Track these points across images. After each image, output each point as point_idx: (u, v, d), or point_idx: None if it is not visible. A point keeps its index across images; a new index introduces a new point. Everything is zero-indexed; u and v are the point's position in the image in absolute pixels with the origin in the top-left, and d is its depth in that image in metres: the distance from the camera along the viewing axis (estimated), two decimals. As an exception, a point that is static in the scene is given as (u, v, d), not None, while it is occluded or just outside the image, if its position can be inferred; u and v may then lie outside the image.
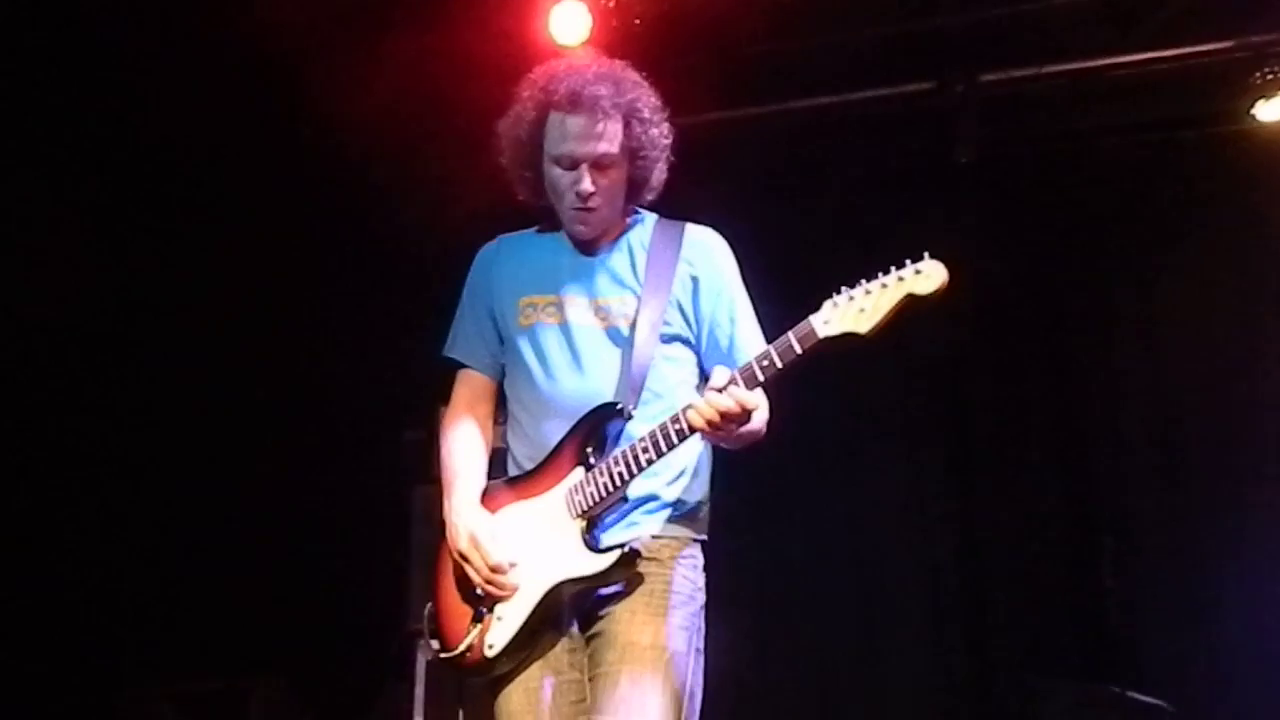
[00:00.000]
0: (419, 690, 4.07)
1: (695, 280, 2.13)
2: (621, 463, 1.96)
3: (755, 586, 4.62)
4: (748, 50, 4.72)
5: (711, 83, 4.86)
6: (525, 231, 2.30)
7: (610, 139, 2.04)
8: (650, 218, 2.24)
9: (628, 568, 1.96)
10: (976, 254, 4.95)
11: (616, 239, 2.19)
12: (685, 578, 2.07)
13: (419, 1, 4.20)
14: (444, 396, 4.51)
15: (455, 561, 2.10)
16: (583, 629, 2.06)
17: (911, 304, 1.77)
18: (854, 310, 1.79)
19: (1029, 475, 4.88)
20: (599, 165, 2.05)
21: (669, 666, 1.95)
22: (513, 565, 2.03)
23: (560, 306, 2.13)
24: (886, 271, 1.80)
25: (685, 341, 2.16)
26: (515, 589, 2.02)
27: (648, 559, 2.02)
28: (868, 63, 4.73)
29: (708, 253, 2.18)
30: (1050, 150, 5.09)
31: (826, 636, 4.84)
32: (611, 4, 4.31)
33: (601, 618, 2.02)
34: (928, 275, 1.76)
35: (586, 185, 2.04)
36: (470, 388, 2.28)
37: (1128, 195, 5.04)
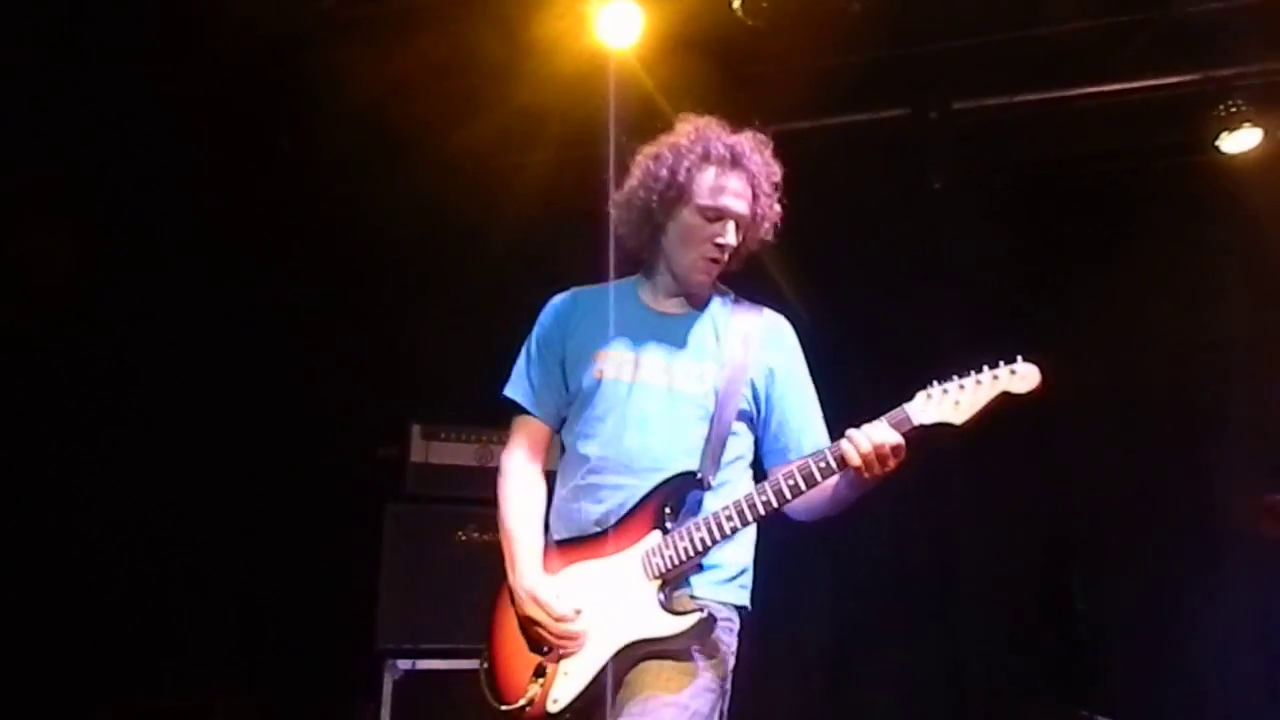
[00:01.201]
0: (386, 711, 4.03)
1: (772, 369, 2.22)
2: (704, 529, 2.01)
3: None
4: (726, 74, 4.76)
5: (688, 105, 4.91)
6: (599, 286, 2.35)
7: (749, 203, 2.18)
8: (728, 295, 2.34)
9: (705, 633, 2.00)
10: (950, 278, 5.04)
11: (700, 307, 2.27)
12: (721, 640, 2.09)
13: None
14: (417, 414, 4.57)
15: (519, 618, 2.13)
16: (621, 710, 2.05)
17: (1005, 401, 1.92)
18: (949, 403, 1.94)
19: (1002, 500, 4.92)
20: (740, 224, 2.18)
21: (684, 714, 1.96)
22: (578, 613, 2.06)
23: (635, 364, 2.18)
24: (982, 369, 1.95)
25: (750, 420, 2.22)
26: (584, 638, 2.04)
27: (702, 646, 2.05)
28: (844, 89, 4.79)
29: (783, 340, 2.28)
30: (1022, 177, 5.16)
31: (802, 659, 4.84)
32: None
33: (630, 683, 2.02)
34: (1023, 377, 1.93)
35: (731, 239, 2.16)
36: (531, 435, 2.31)
37: (1098, 223, 5.13)
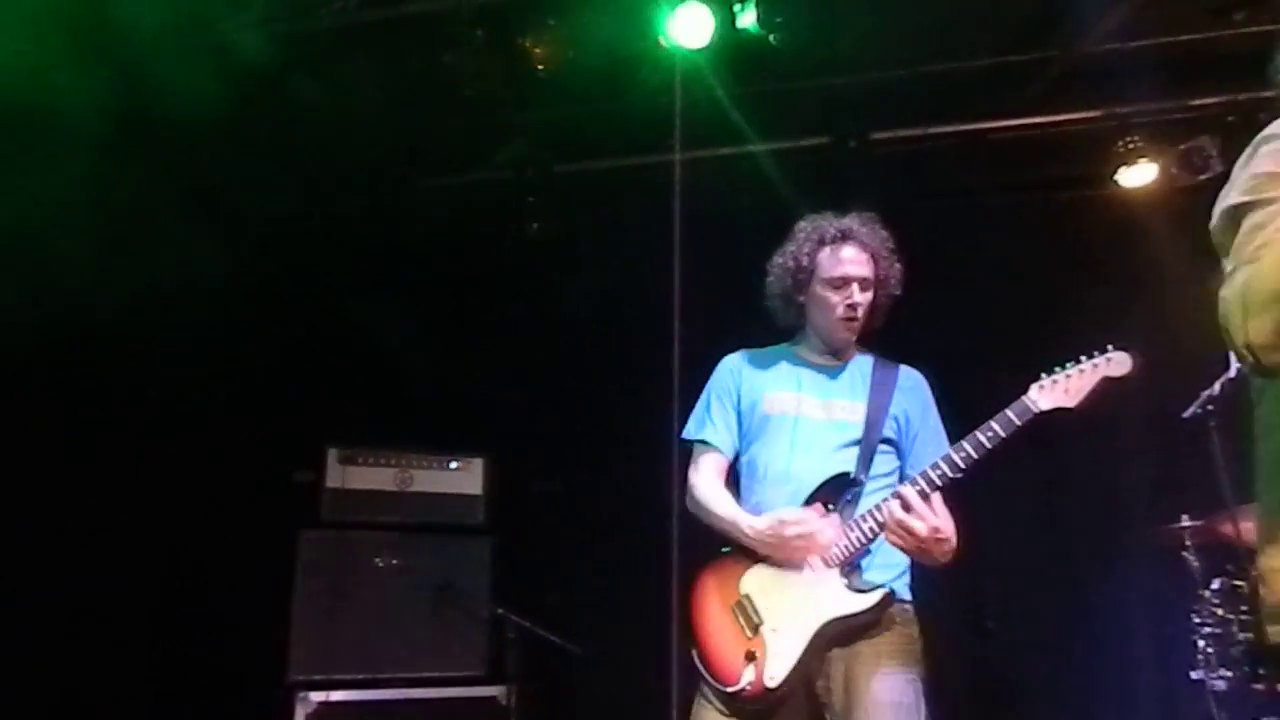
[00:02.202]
0: (300, 744, 3.91)
1: (908, 411, 2.67)
2: (871, 519, 2.40)
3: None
4: (650, 100, 4.82)
5: (611, 130, 4.95)
6: (765, 348, 2.83)
7: (869, 267, 2.66)
8: (869, 356, 2.79)
9: (886, 607, 2.39)
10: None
11: (845, 363, 2.74)
12: (913, 631, 2.52)
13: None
14: (335, 438, 4.47)
15: (717, 605, 2.47)
16: (827, 677, 2.38)
17: (1108, 384, 2.35)
18: (1060, 391, 2.41)
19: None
20: (863, 286, 2.65)
21: (906, 717, 2.34)
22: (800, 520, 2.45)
23: (798, 402, 2.63)
24: (1088, 356, 2.43)
25: (895, 446, 2.66)
26: (784, 625, 2.38)
27: (895, 614, 2.45)
28: (766, 116, 4.88)
29: (919, 387, 2.75)
30: (937, 206, 5.32)
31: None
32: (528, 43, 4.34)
33: (847, 670, 2.37)
34: (1120, 362, 2.45)
35: (858, 298, 2.64)
36: (714, 463, 2.71)
37: (1007, 252, 5.30)
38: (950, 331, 5.24)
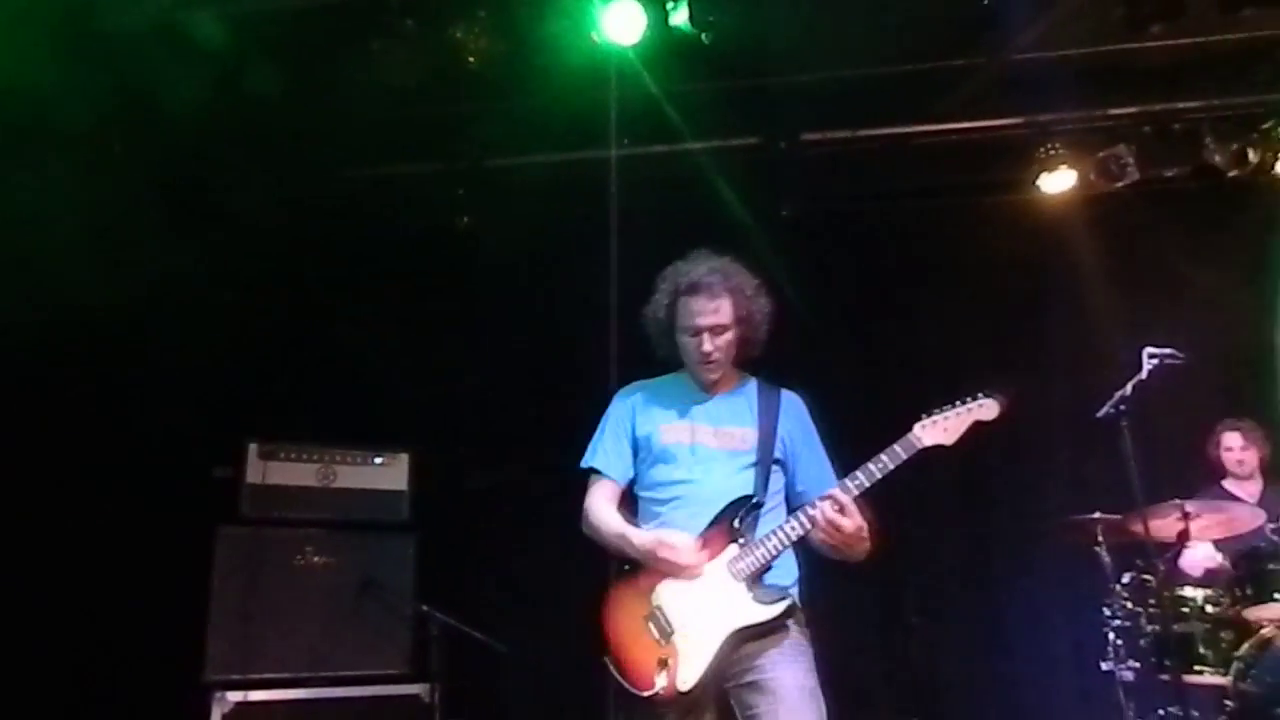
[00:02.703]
0: (215, 745, 3.81)
1: (791, 432, 2.84)
2: (774, 538, 2.60)
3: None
4: (583, 95, 4.80)
5: (545, 126, 4.92)
6: (658, 378, 2.97)
7: (721, 314, 2.77)
8: (753, 380, 2.94)
9: (789, 615, 2.59)
10: (795, 302, 5.21)
11: (731, 390, 2.89)
12: (804, 628, 2.69)
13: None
14: (254, 432, 4.36)
15: (630, 616, 2.63)
16: (734, 679, 2.56)
17: (978, 427, 2.54)
18: (939, 430, 2.61)
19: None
20: (715, 332, 2.77)
21: (812, 700, 2.54)
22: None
23: (692, 431, 2.80)
24: (962, 401, 2.61)
25: (782, 466, 2.82)
26: (695, 633, 2.56)
27: (790, 618, 2.63)
28: (698, 115, 4.89)
29: (799, 410, 2.90)
30: (864, 208, 5.41)
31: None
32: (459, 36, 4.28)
33: (753, 669, 2.55)
34: (989, 409, 2.62)
35: (709, 346, 2.78)
36: (606, 489, 2.86)
37: (932, 253, 5.42)
38: (882, 333, 5.35)
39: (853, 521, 2.53)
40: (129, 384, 4.62)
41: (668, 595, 2.62)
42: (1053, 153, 5.10)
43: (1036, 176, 5.15)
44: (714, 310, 2.76)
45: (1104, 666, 4.20)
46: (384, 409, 4.90)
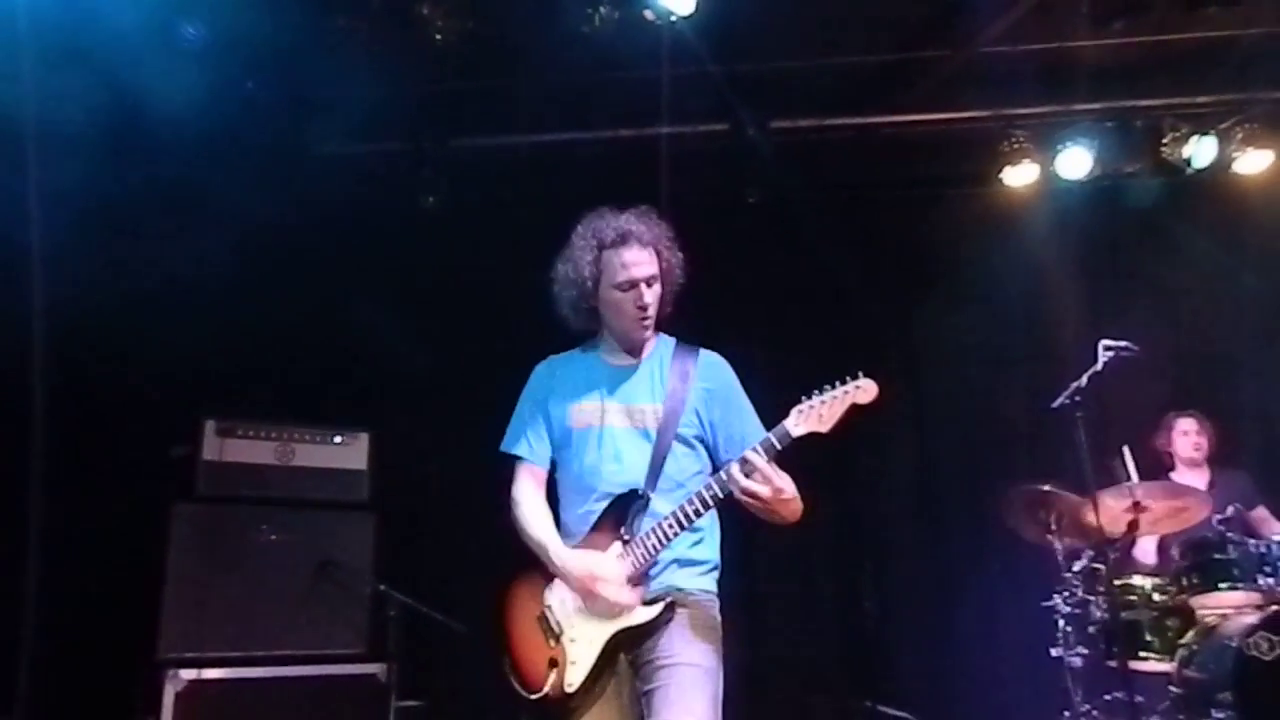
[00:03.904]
0: (167, 724, 3.78)
1: (709, 394, 2.69)
2: (654, 536, 2.49)
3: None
4: (552, 78, 4.78)
5: (514, 106, 4.90)
6: (570, 353, 2.82)
7: (652, 264, 2.64)
8: (670, 341, 2.79)
9: (669, 614, 2.50)
10: (762, 287, 5.24)
11: (648, 357, 2.74)
12: (712, 615, 2.62)
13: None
14: (219, 412, 4.31)
15: (524, 616, 2.60)
16: (634, 663, 2.53)
17: (855, 410, 2.38)
18: (814, 417, 2.40)
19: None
20: (649, 283, 2.63)
21: (707, 677, 2.48)
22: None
23: (602, 412, 2.66)
24: (834, 385, 2.41)
25: (701, 440, 2.69)
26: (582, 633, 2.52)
27: (687, 605, 2.56)
28: (666, 101, 4.89)
29: (717, 373, 2.74)
30: (831, 197, 5.44)
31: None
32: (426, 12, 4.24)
33: (650, 649, 2.50)
34: (865, 390, 2.41)
35: (648, 299, 2.62)
36: (532, 477, 2.74)
37: (896, 243, 5.46)
38: (845, 320, 5.39)
39: (770, 485, 2.39)
40: (85, 364, 4.54)
41: (557, 596, 2.58)
42: (1016, 146, 5.16)
43: (1000, 169, 5.21)
44: (648, 260, 2.62)
45: (1054, 653, 4.28)
46: (345, 388, 4.87)
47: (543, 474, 2.75)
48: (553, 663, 2.52)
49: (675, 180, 5.14)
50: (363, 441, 4.54)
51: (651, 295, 2.63)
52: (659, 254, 2.64)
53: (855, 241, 5.47)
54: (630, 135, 5.09)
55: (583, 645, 2.51)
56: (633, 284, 2.61)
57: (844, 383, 2.41)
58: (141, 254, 4.66)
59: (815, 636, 5.06)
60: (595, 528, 2.58)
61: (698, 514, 2.48)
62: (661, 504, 2.55)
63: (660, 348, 2.76)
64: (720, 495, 2.46)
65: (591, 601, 2.51)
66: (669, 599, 2.51)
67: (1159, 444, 4.94)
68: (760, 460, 2.38)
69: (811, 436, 2.39)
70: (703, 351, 2.75)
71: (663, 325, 2.76)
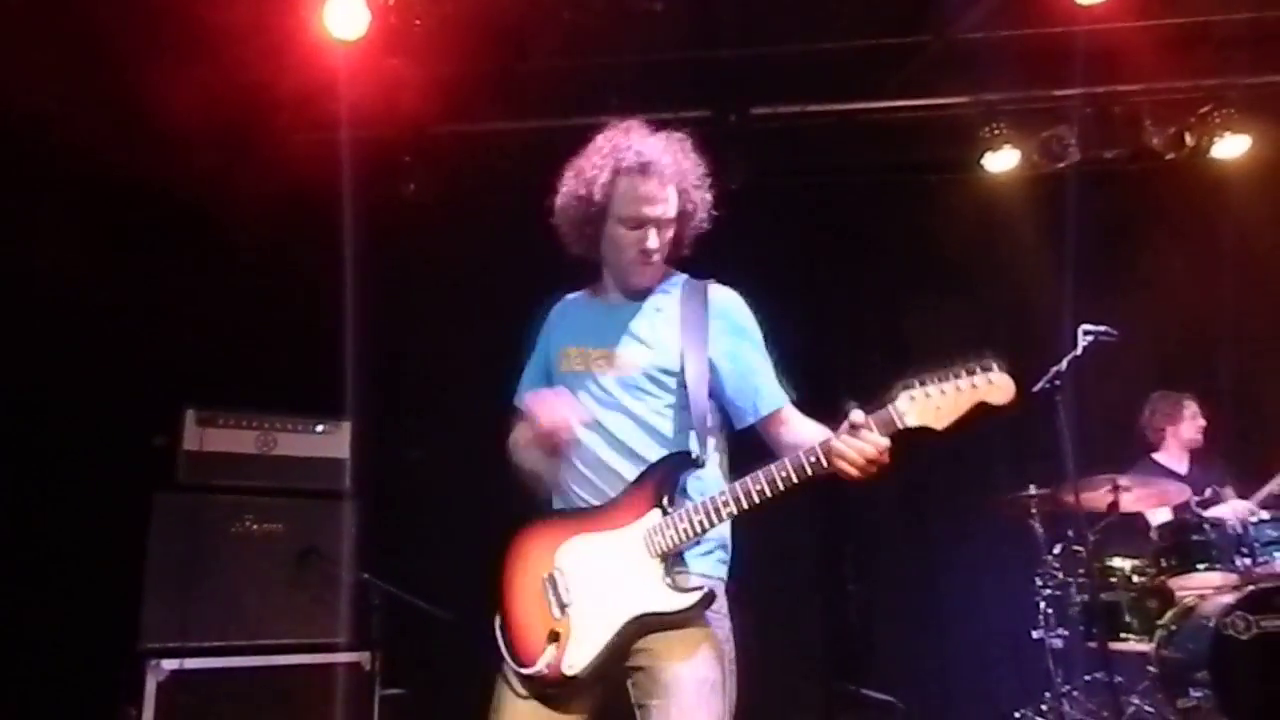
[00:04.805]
0: (148, 714, 3.75)
1: (719, 340, 2.30)
2: (703, 512, 2.11)
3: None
4: (531, 64, 4.75)
5: (492, 93, 4.87)
6: (580, 292, 2.51)
7: (670, 203, 2.27)
8: (679, 278, 2.41)
9: (706, 606, 2.12)
10: (743, 275, 5.23)
11: (649, 298, 2.36)
12: (715, 610, 2.20)
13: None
14: (194, 403, 4.28)
15: (529, 573, 2.21)
16: (631, 658, 2.15)
17: (981, 410, 1.94)
18: (932, 407, 2.00)
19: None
20: (662, 226, 2.28)
21: (711, 692, 2.11)
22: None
23: (586, 358, 2.34)
24: (961, 374, 1.98)
25: (718, 394, 2.32)
26: (593, 606, 2.14)
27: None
28: (648, 85, 4.87)
29: (729, 313, 2.34)
30: (812, 183, 5.44)
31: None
32: (391, 2, 4.22)
33: (641, 651, 2.13)
34: (1001, 389, 1.98)
35: (653, 243, 2.27)
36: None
37: (878, 229, 5.47)
38: (828, 306, 5.40)
39: (876, 445, 2.00)
40: (66, 353, 4.50)
41: (572, 558, 2.18)
42: (997, 132, 5.17)
43: (981, 155, 5.23)
44: (664, 199, 2.24)
45: (1034, 634, 4.34)
46: (326, 377, 4.84)
47: None
48: (554, 636, 2.12)
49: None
50: (344, 430, 4.51)
51: (659, 239, 2.27)
52: (683, 193, 2.28)
53: (837, 228, 5.48)
54: (609, 123, 5.05)
55: (593, 623, 2.11)
56: (641, 223, 2.25)
57: (971, 373, 1.97)
58: (120, 247, 4.63)
59: (797, 621, 5.08)
60: (630, 491, 2.19)
61: (774, 487, 2.07)
62: (697, 480, 2.21)
63: (667, 286, 2.38)
64: (821, 465, 2.04)
65: (548, 435, 2.19)
66: (708, 587, 2.12)
67: (1149, 422, 4.97)
68: (870, 431, 1.99)
69: (922, 432, 1.99)
70: (712, 288, 2.37)
71: (677, 263, 2.43)
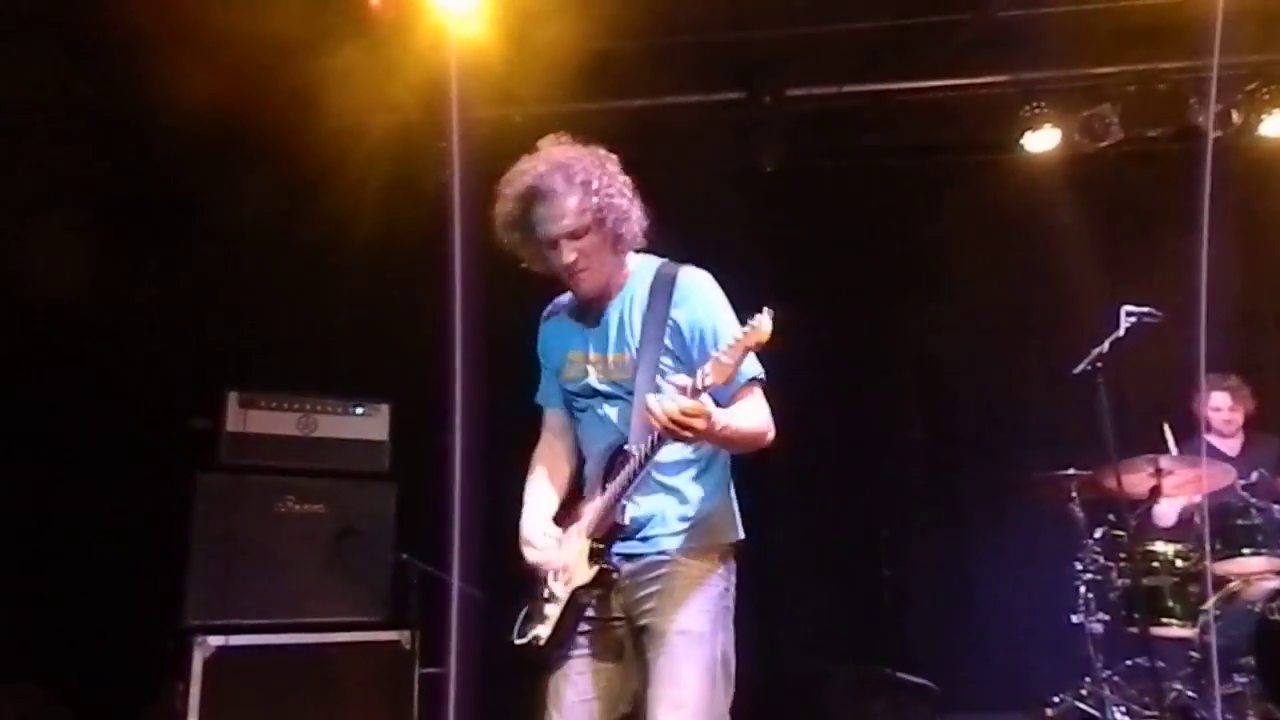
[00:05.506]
0: (196, 691, 3.83)
1: (681, 325, 2.42)
2: (609, 493, 2.35)
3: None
4: (565, 48, 4.74)
5: (527, 78, 4.87)
6: (563, 298, 2.64)
7: (575, 216, 2.36)
8: (650, 265, 2.51)
9: (605, 580, 2.37)
10: (778, 258, 5.22)
11: (617, 295, 2.49)
12: (704, 570, 2.43)
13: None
14: (234, 381, 4.36)
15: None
16: (633, 624, 2.43)
17: (754, 347, 2.09)
18: (723, 367, 2.11)
19: (817, 472, 5.14)
20: (574, 236, 2.37)
21: (697, 643, 2.35)
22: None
23: (586, 366, 2.51)
24: (740, 332, 2.10)
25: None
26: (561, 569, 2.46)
27: (673, 563, 2.41)
28: (681, 68, 4.86)
29: (693, 296, 2.44)
30: (847, 165, 5.39)
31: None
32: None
33: (646, 612, 2.40)
34: (760, 329, 2.07)
35: (569, 256, 2.38)
36: (552, 423, 2.68)
37: (916, 210, 5.42)
38: (862, 289, 5.36)
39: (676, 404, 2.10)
40: (110, 335, 4.60)
41: (560, 549, 2.50)
42: (1037, 111, 5.09)
43: (1021, 135, 5.14)
44: (564, 213, 2.33)
45: (1074, 619, 4.29)
46: (366, 359, 4.90)
47: (562, 419, 2.64)
48: (534, 613, 2.51)
49: (689, 149, 5.14)
50: (384, 413, 4.57)
51: (575, 249, 2.36)
52: (587, 195, 2.35)
53: (872, 209, 5.43)
54: (642, 105, 5.05)
55: (553, 602, 2.47)
56: (553, 243, 2.37)
57: (743, 324, 2.11)
58: (165, 231, 4.71)
59: (833, 605, 5.08)
60: (591, 486, 2.49)
61: (647, 456, 2.25)
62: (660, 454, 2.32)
63: (634, 281, 2.49)
64: (649, 457, 2.25)
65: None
66: (609, 563, 2.35)
67: (1194, 408, 4.89)
68: (673, 391, 2.12)
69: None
70: (681, 273, 2.45)
71: (648, 247, 2.50)
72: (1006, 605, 4.88)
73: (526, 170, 2.39)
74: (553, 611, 2.46)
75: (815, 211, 5.31)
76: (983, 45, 4.88)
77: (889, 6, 4.72)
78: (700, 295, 2.43)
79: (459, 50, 4.36)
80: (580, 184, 2.36)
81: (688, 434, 2.15)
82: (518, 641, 2.52)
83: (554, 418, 2.67)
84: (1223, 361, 4.94)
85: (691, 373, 2.29)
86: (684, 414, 2.11)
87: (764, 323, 2.07)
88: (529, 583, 2.55)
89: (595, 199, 2.36)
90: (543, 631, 2.48)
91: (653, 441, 2.24)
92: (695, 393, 2.13)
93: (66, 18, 3.99)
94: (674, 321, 2.41)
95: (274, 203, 4.85)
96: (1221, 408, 4.80)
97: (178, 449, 4.34)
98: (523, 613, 2.56)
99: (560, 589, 2.46)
